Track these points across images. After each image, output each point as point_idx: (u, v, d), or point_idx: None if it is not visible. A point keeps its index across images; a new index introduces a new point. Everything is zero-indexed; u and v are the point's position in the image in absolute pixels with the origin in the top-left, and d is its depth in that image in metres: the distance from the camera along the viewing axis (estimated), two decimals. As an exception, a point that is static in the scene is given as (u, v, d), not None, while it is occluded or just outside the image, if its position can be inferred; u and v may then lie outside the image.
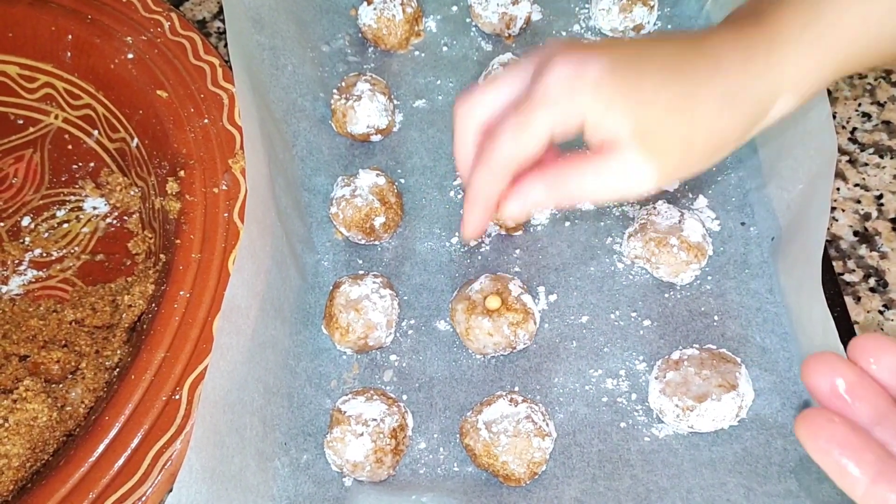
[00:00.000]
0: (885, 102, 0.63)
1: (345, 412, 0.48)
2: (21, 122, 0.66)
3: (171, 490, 0.43)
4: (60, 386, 0.52)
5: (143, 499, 0.44)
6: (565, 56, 0.36)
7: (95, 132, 0.64)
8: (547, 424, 0.48)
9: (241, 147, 0.55)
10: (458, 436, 0.50)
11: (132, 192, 0.61)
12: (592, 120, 0.36)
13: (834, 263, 0.56)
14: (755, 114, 0.38)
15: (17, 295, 0.58)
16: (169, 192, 0.54)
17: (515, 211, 0.39)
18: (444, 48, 0.67)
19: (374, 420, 0.48)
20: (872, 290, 0.55)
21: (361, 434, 0.47)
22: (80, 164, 0.64)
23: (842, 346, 0.46)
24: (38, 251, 0.60)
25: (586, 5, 0.68)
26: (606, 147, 0.37)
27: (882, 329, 0.54)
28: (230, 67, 0.57)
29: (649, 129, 0.36)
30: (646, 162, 0.37)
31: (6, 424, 0.48)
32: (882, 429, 0.27)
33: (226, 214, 0.53)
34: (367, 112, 0.60)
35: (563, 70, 0.36)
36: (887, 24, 0.37)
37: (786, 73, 0.37)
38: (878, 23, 0.37)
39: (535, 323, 0.52)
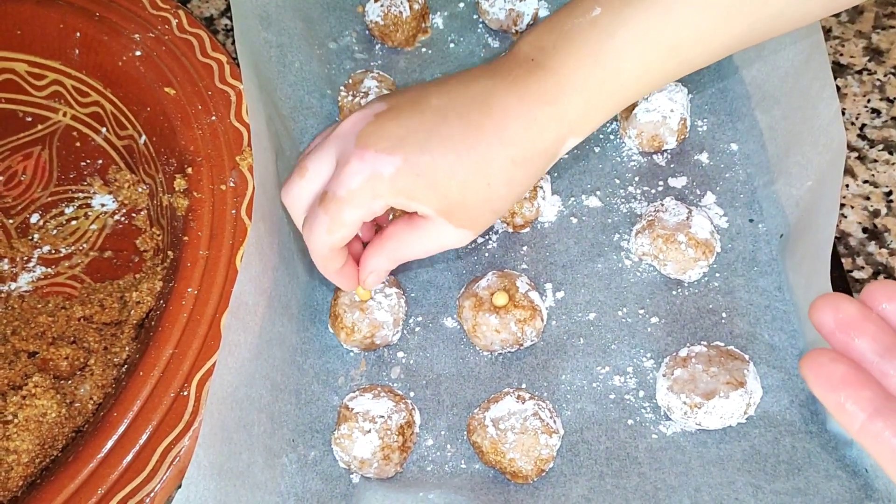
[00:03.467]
0: (895, 99, 0.63)
1: (352, 409, 0.49)
2: (29, 119, 0.66)
3: (179, 486, 0.43)
4: (69, 382, 0.52)
5: (152, 495, 0.45)
6: (361, 156, 0.41)
7: (103, 129, 0.64)
8: (554, 421, 0.48)
9: (249, 144, 0.55)
10: (465, 433, 0.50)
11: (140, 190, 0.61)
12: (400, 208, 0.42)
13: (843, 260, 0.56)
14: (545, 162, 0.42)
15: (25, 291, 0.58)
16: (177, 189, 0.54)
17: (370, 283, 0.47)
18: (451, 45, 0.67)
19: (382, 417, 0.48)
20: (882, 287, 0.55)
21: (369, 431, 0.47)
22: (89, 161, 0.64)
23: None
24: (46, 248, 0.60)
25: (594, 1, 0.68)
26: (420, 217, 0.43)
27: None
28: (237, 64, 0.57)
29: (451, 206, 0.41)
30: (456, 229, 0.42)
31: (16, 420, 0.48)
32: (885, 361, 0.28)
33: (233, 211, 0.53)
34: (374, 109, 0.60)
35: (361, 172, 0.40)
36: (666, 65, 0.40)
37: (571, 120, 0.41)
38: (657, 65, 0.40)
39: (542, 320, 0.52)
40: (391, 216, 0.51)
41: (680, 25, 0.39)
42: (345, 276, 0.46)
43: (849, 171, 0.60)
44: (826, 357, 0.27)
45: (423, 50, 0.67)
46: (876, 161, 0.60)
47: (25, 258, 0.60)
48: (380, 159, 0.40)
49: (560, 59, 0.40)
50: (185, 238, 0.52)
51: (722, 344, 0.51)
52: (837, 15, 0.67)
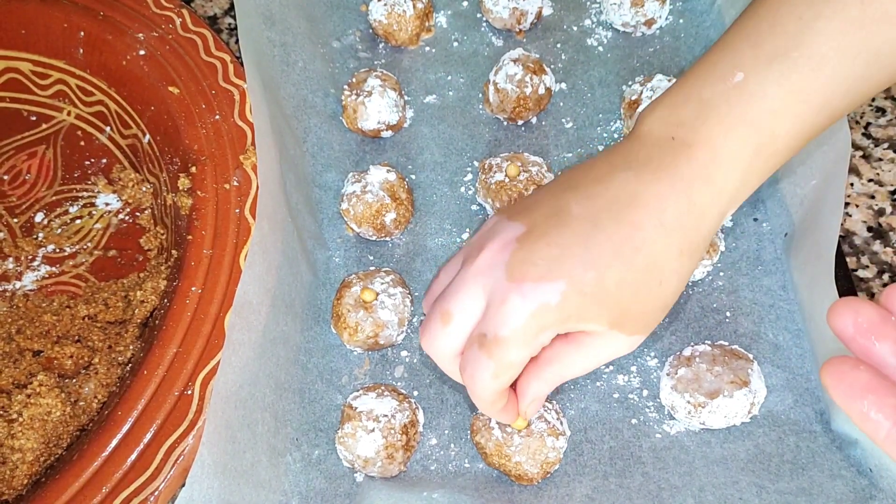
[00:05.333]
0: (900, 97, 0.63)
1: (356, 408, 0.49)
2: (34, 118, 0.66)
3: (183, 485, 0.43)
4: (74, 381, 0.52)
5: (156, 493, 0.45)
6: (520, 290, 0.36)
7: (108, 128, 0.64)
8: (560, 423, 0.48)
9: (253, 143, 0.55)
10: (468, 432, 0.50)
11: (144, 189, 0.61)
12: (568, 331, 0.38)
13: (847, 259, 0.56)
14: (709, 238, 0.39)
15: (30, 290, 0.58)
16: (180, 188, 0.54)
17: (531, 411, 0.42)
18: (455, 44, 0.67)
19: (385, 416, 0.48)
20: (886, 286, 0.55)
21: (372, 430, 0.47)
22: (93, 160, 0.64)
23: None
24: (51, 247, 0.60)
25: None
26: (585, 333, 0.38)
27: None
28: (241, 64, 0.57)
29: (623, 316, 0.37)
30: (628, 337, 0.38)
31: (20, 419, 0.48)
32: None
33: (237, 210, 0.53)
34: (378, 108, 0.60)
35: (524, 307, 0.36)
36: (817, 119, 0.38)
37: (730, 195, 0.38)
38: (810, 122, 0.38)
39: (546, 319, 0.52)
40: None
41: (830, 77, 0.36)
42: (507, 412, 0.41)
43: (853, 170, 0.59)
44: (847, 365, 0.27)
45: (427, 49, 0.67)
46: (881, 160, 0.60)
47: (30, 257, 0.60)
48: (541, 289, 0.36)
49: (706, 131, 0.37)
50: (189, 237, 0.52)
51: (726, 343, 0.51)
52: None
